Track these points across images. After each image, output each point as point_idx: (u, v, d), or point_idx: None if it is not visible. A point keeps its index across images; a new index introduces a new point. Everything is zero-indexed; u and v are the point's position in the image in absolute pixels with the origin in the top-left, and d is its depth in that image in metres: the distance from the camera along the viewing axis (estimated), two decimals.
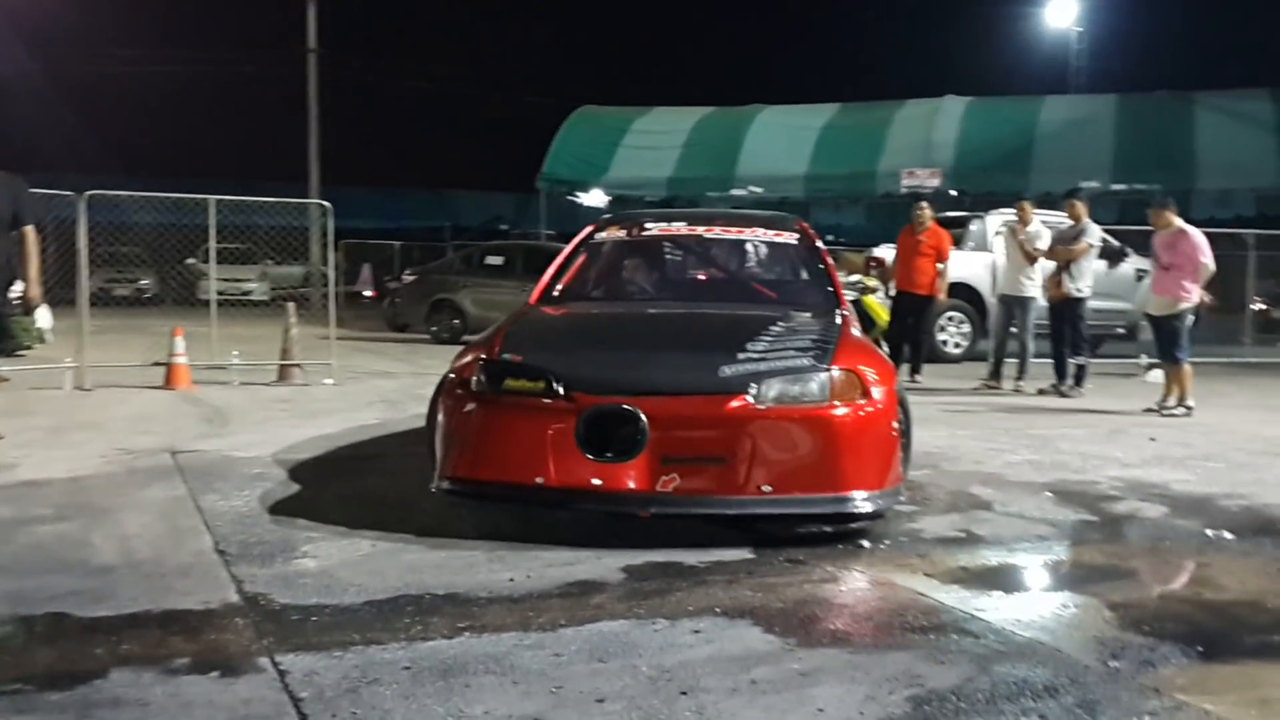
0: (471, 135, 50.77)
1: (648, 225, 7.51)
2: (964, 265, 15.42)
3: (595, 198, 24.09)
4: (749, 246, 7.62)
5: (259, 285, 27.99)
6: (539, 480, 5.22)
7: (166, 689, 3.48)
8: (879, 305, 15.34)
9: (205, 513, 5.83)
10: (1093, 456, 8.12)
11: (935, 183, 21.67)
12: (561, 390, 5.33)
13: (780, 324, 6.04)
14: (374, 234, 34.30)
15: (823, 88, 27.35)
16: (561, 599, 4.50)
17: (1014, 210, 13.25)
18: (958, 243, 15.95)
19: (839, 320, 6.34)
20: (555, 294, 6.98)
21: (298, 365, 12.60)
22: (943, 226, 15.40)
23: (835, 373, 5.45)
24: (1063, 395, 12.11)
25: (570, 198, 24.19)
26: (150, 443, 7.99)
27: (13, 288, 7.88)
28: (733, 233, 7.49)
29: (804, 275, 7.24)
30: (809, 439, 5.28)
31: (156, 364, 12.31)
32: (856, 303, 15.98)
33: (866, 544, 5.46)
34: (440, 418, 5.68)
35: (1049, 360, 12.57)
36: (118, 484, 6.55)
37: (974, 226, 16.77)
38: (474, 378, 5.58)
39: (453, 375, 5.76)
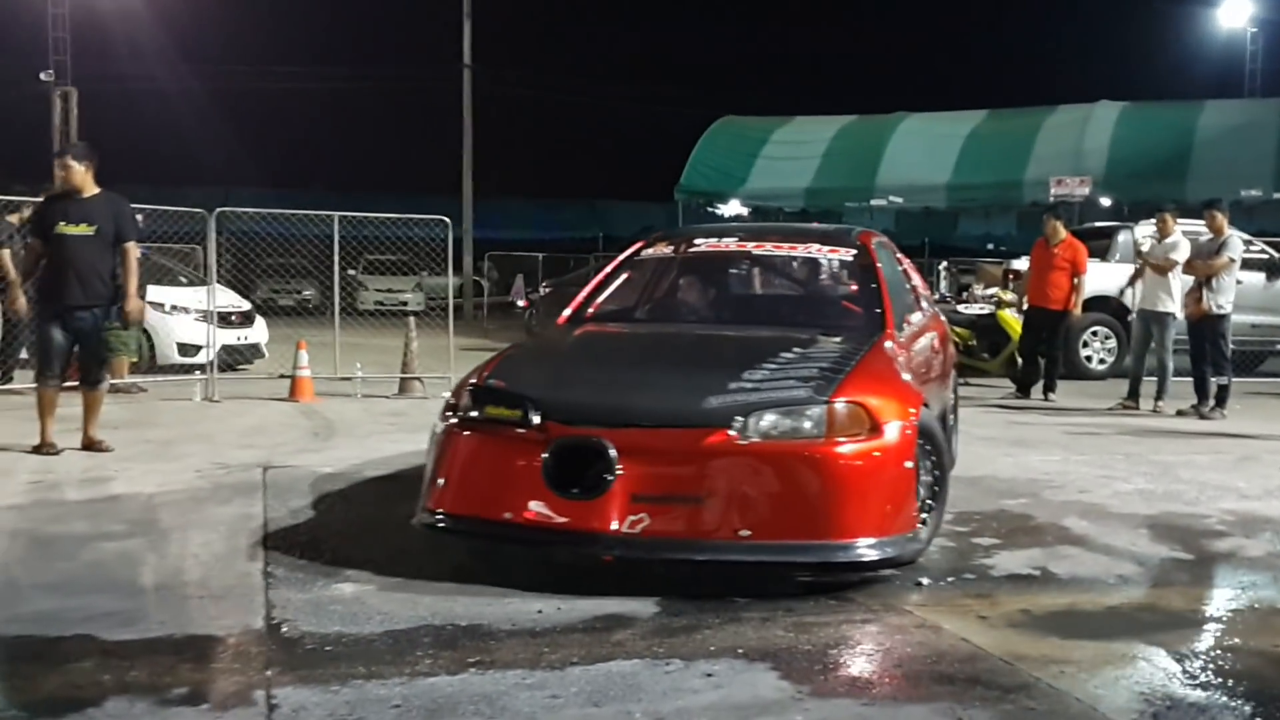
0: (624, 146, 51.12)
1: (696, 241, 7.19)
2: (1109, 278, 14.75)
3: (733, 208, 23.95)
4: (799, 264, 7.25)
5: (414, 296, 28.69)
6: (507, 516, 4.97)
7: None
8: (1014, 320, 14.79)
9: (269, 532, 5.90)
10: (1211, 486, 7.64)
11: (1085, 191, 20.84)
12: (536, 420, 5.06)
13: (799, 349, 5.65)
14: (529, 245, 34.80)
15: (970, 94, 26.62)
16: (584, 634, 4.39)
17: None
18: (1103, 254, 15.34)
19: (872, 345, 5.83)
20: (586, 313, 6.70)
21: (418, 379, 12.78)
22: (1091, 237, 14.84)
23: (838, 405, 4.99)
24: (1202, 417, 11.47)
25: (710, 209, 24.09)
26: (249, 457, 8.17)
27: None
28: (784, 249, 7.09)
29: (853, 295, 6.82)
30: (798, 479, 4.84)
31: (283, 376, 12.65)
32: (991, 317, 15.56)
33: (926, 581, 5.20)
34: (429, 444, 5.49)
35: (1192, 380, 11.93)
36: (199, 500, 6.69)
37: (1121, 237, 16.02)
38: (460, 403, 5.41)
39: (449, 398, 5.59)
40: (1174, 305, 12.03)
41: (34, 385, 8.43)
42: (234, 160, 42.37)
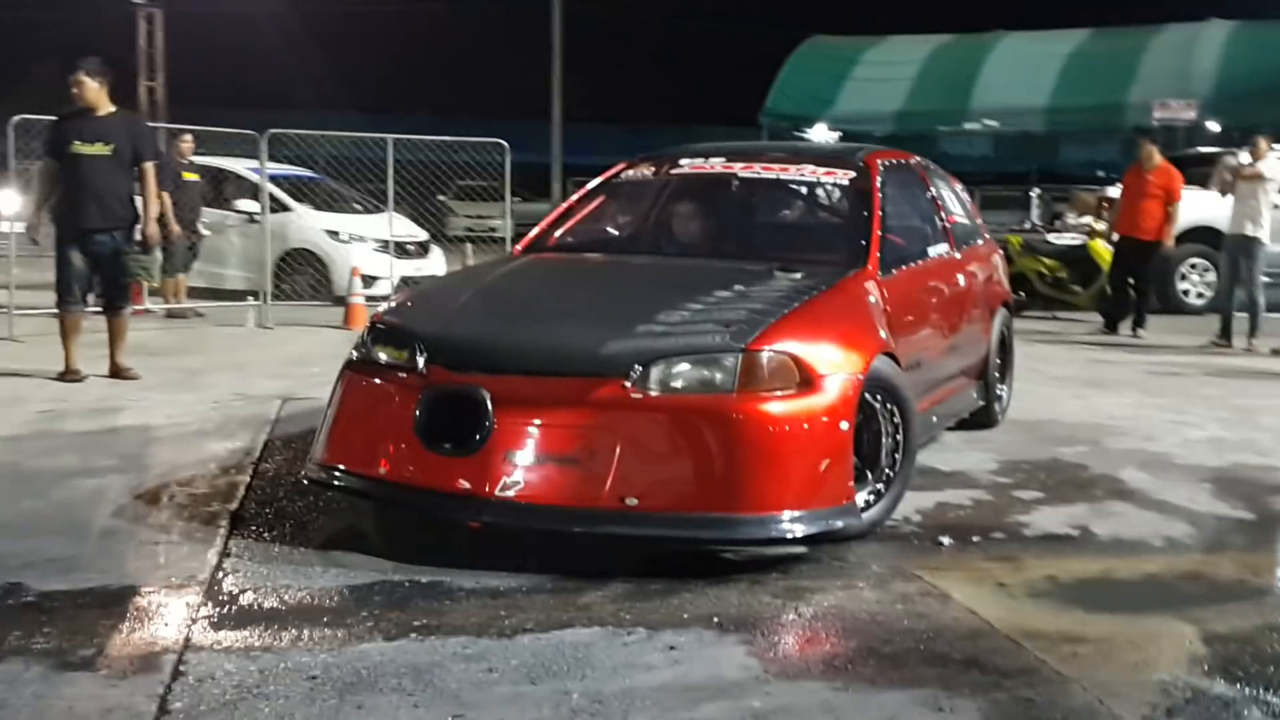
0: (719, 69, 50.00)
1: (681, 163, 6.41)
2: (1209, 207, 13.80)
3: (819, 133, 23.10)
4: (784, 188, 6.43)
5: (503, 223, 28.39)
6: (381, 471, 4.45)
7: (39, 689, 3.18)
8: (1106, 250, 13.96)
9: (256, 471, 5.61)
10: None
11: (1191, 115, 19.64)
12: (421, 363, 4.53)
13: (742, 285, 4.92)
14: None
15: (1073, 12, 25.30)
16: (550, 595, 4.00)
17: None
18: (1204, 182, 14.39)
19: (835, 283, 5.09)
20: (546, 241, 6.13)
21: None
22: (1194, 164, 13.93)
23: (758, 354, 4.30)
24: None
25: (796, 133, 23.26)
26: (274, 388, 7.90)
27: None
28: (773, 171, 6.24)
29: (835, 224, 6.16)
30: (701, 440, 4.17)
31: (339, 301, 12.43)
32: (1082, 247, 14.74)
33: (947, 541, 4.72)
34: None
35: None
36: (202, 434, 6.43)
37: (1226, 163, 15.01)
38: (360, 341, 4.94)
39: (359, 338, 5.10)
40: (1262, 231, 11.17)
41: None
42: (325, 86, 42.36)
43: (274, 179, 13.20)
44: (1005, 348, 7.39)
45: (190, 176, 11.96)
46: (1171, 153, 15.72)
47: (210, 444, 6.18)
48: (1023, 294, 14.52)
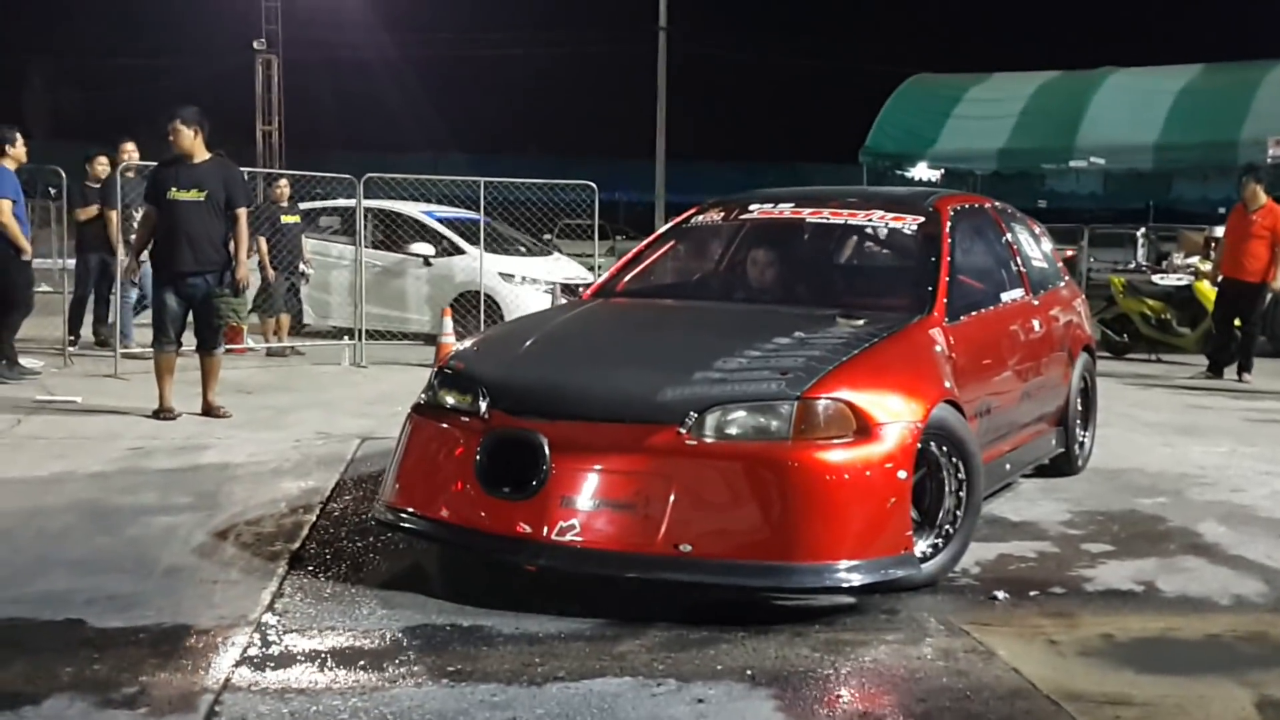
0: (827, 108, 49.89)
1: (750, 208, 6.42)
2: None
3: (920, 171, 22.86)
4: (852, 234, 6.41)
5: (607, 261, 28.67)
6: (444, 514, 4.57)
7: None
8: (1212, 291, 13.56)
9: (323, 512, 5.72)
10: None
11: None
12: (483, 407, 4.63)
13: (804, 332, 4.91)
14: None
15: (1184, 47, 24.70)
16: (587, 643, 4.02)
17: None
18: None
19: (898, 330, 5.05)
20: (615, 287, 6.15)
21: None
22: None
23: (815, 403, 4.29)
24: None
25: (897, 172, 23.06)
26: (356, 426, 8.06)
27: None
28: (841, 217, 6.21)
29: (902, 270, 6.07)
30: (755, 488, 4.18)
31: (430, 341, 12.61)
32: (1187, 288, 14.34)
33: (1002, 595, 4.63)
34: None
35: None
36: (279, 473, 6.58)
37: None
38: (428, 384, 5.04)
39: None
40: None
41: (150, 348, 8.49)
42: (440, 129, 43.29)
43: (444, 221, 13.50)
44: (1087, 393, 7.23)
45: (290, 219, 12.26)
46: (1271, 193, 15.27)
47: (285, 483, 6.33)
48: (1125, 336, 14.21)
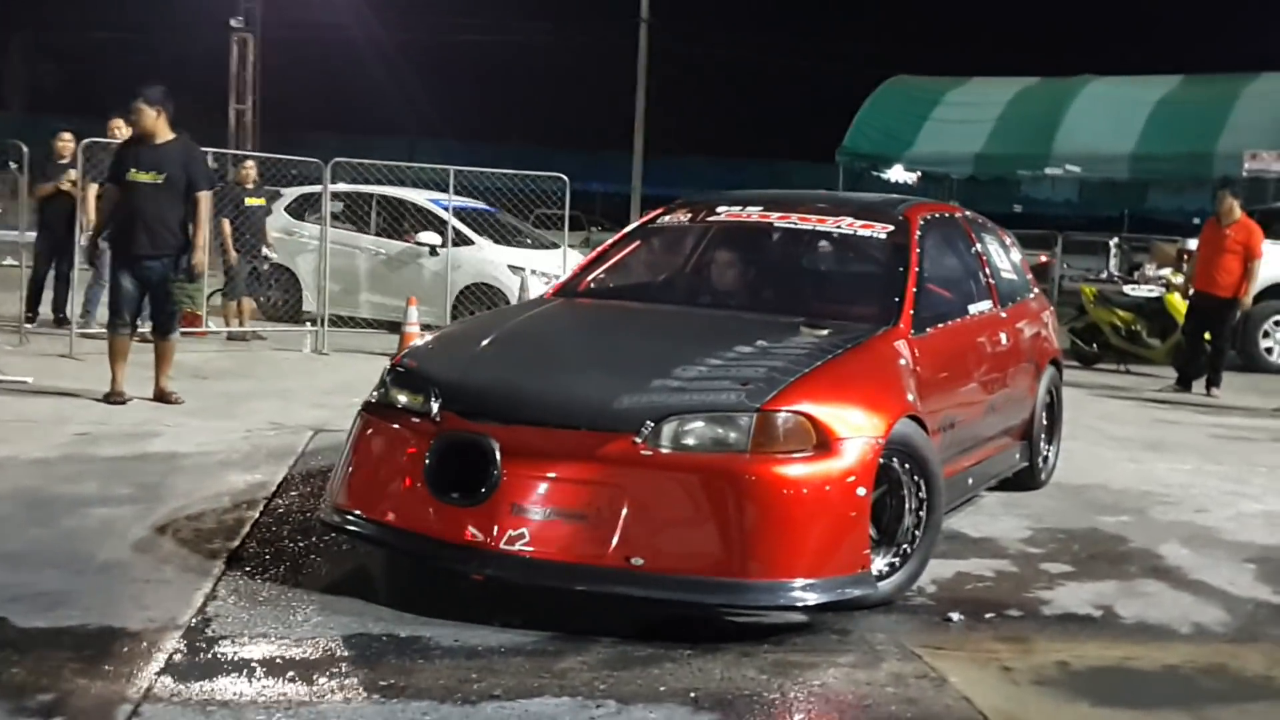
0: (806, 106, 49.87)
1: (718, 210, 6.29)
2: None
3: (897, 173, 22.81)
4: (820, 240, 6.23)
5: (582, 251, 28.42)
6: (390, 518, 4.44)
7: None
8: (1183, 304, 13.55)
9: (266, 509, 5.57)
10: None
11: None
12: (435, 409, 4.49)
13: (765, 341, 4.81)
14: None
15: (1163, 57, 24.72)
16: (528, 658, 3.89)
17: None
18: None
19: (862, 341, 4.96)
20: (578, 286, 6.03)
21: None
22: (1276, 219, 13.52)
23: (775, 415, 4.19)
24: None
25: (873, 173, 23.00)
26: (311, 417, 7.90)
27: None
28: (810, 222, 6.05)
29: (869, 279, 5.98)
30: (710, 501, 4.05)
31: (395, 329, 12.43)
32: (1159, 300, 14.31)
33: (957, 617, 4.52)
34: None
35: None
36: (226, 465, 6.42)
37: None
38: (379, 383, 4.90)
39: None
40: None
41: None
42: (421, 113, 42.98)
43: (454, 210, 13.17)
44: (1052, 407, 7.15)
45: (254, 202, 12.05)
46: (1261, 205, 15.25)
47: (231, 475, 6.17)
48: (1095, 346, 14.16)
